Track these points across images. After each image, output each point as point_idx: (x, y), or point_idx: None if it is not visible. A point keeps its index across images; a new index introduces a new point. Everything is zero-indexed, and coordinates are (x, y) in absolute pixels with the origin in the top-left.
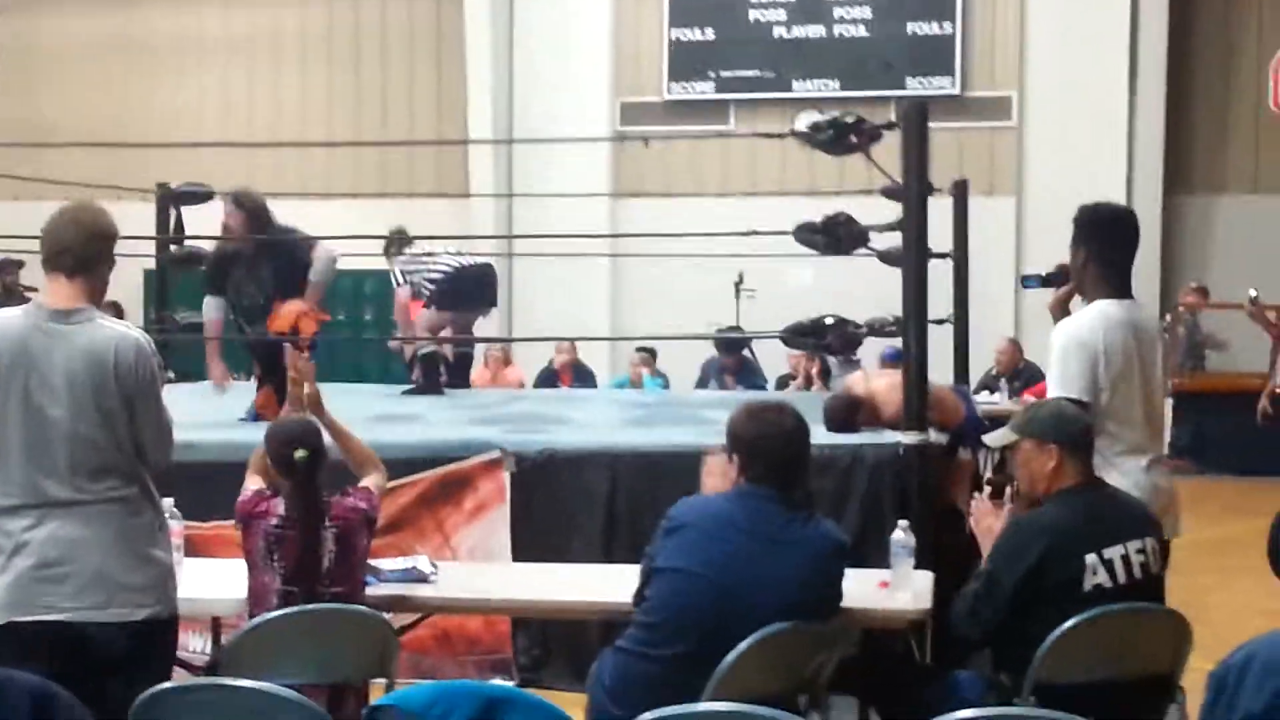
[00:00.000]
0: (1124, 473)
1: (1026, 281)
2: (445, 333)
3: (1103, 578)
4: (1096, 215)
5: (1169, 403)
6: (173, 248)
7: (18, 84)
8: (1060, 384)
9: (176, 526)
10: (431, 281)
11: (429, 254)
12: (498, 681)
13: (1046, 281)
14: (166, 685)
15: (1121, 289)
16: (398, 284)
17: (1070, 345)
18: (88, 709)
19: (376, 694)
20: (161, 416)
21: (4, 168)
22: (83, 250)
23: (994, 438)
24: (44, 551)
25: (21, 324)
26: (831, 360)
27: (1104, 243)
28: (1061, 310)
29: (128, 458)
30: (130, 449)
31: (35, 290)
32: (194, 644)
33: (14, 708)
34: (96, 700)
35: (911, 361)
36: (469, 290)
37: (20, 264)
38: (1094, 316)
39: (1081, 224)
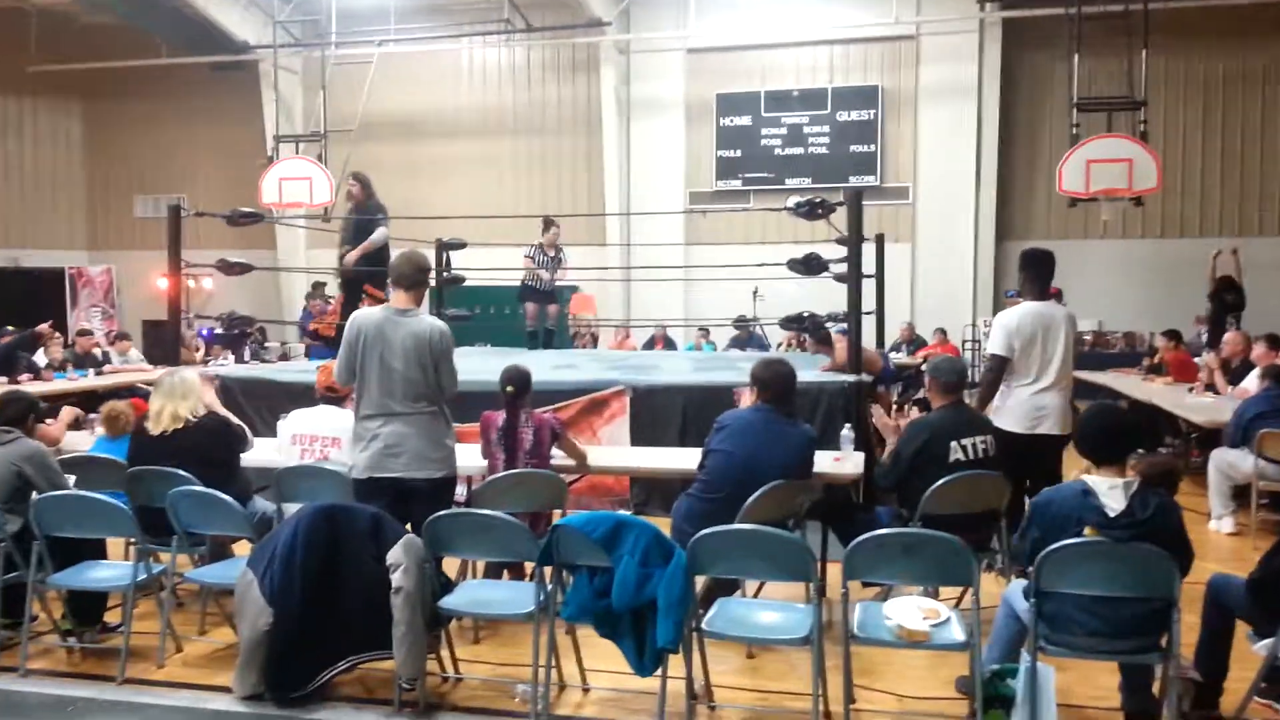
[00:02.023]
0: (1018, 396)
1: (1009, 293)
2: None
3: (960, 455)
4: (1031, 255)
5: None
6: (445, 274)
7: None
8: (990, 345)
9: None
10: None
11: (540, 253)
12: (622, 511)
13: (1017, 295)
14: (444, 512)
15: (1041, 295)
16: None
17: (999, 325)
18: (403, 525)
19: (556, 518)
20: (452, 368)
21: None
22: (412, 277)
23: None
24: (388, 439)
25: (380, 316)
26: (806, 336)
27: (1033, 270)
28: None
29: (433, 390)
30: (435, 385)
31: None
32: (458, 490)
33: (361, 525)
34: (411, 519)
35: (851, 336)
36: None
37: (324, 284)
38: (1018, 310)
39: (1023, 260)
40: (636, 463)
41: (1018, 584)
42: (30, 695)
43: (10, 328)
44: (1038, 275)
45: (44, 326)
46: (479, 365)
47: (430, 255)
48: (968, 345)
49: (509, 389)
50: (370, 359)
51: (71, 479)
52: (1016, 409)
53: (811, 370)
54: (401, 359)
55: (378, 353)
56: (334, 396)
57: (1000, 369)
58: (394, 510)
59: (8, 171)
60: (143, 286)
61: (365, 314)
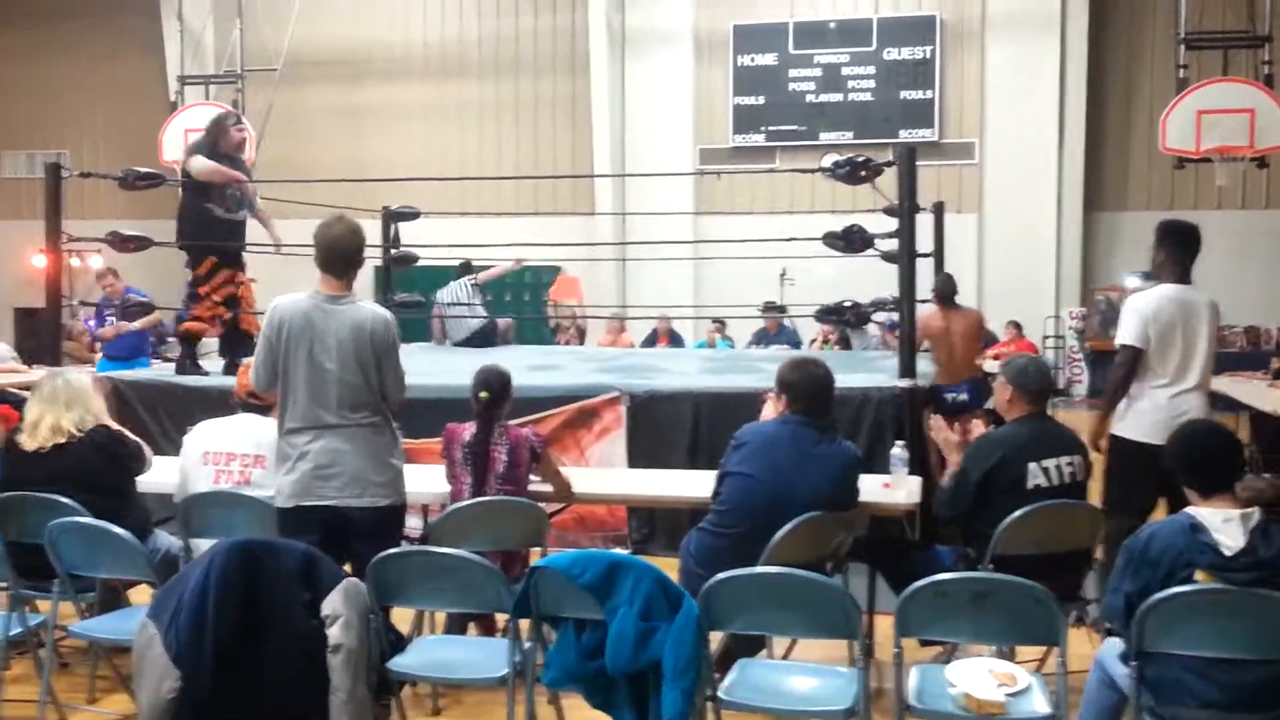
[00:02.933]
0: (1152, 398)
1: (1129, 276)
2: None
3: (1041, 480)
4: (1172, 228)
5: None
6: (392, 251)
7: (287, 134)
8: (1121, 334)
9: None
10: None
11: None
12: (618, 550)
13: (1146, 278)
14: (394, 550)
15: (1181, 277)
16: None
17: (1132, 310)
18: (341, 567)
19: (535, 558)
20: (398, 368)
21: (277, 194)
22: (348, 255)
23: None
24: (319, 458)
25: (307, 304)
26: (849, 330)
27: (1174, 247)
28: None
29: (375, 396)
30: (378, 390)
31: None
32: (412, 522)
33: (290, 566)
34: (350, 560)
35: (904, 330)
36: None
37: (115, 272)
38: (1153, 295)
39: (1161, 233)
40: (634, 489)
41: (1114, 642)
42: None
43: None
44: (1180, 255)
45: None
46: (432, 365)
47: (374, 228)
48: (1049, 342)
49: (483, 394)
50: (295, 358)
51: None
52: (1152, 414)
53: (854, 371)
54: (336, 357)
55: (305, 349)
56: (259, 404)
57: (1134, 363)
58: (329, 547)
59: None
60: (13, 265)
61: (288, 301)
